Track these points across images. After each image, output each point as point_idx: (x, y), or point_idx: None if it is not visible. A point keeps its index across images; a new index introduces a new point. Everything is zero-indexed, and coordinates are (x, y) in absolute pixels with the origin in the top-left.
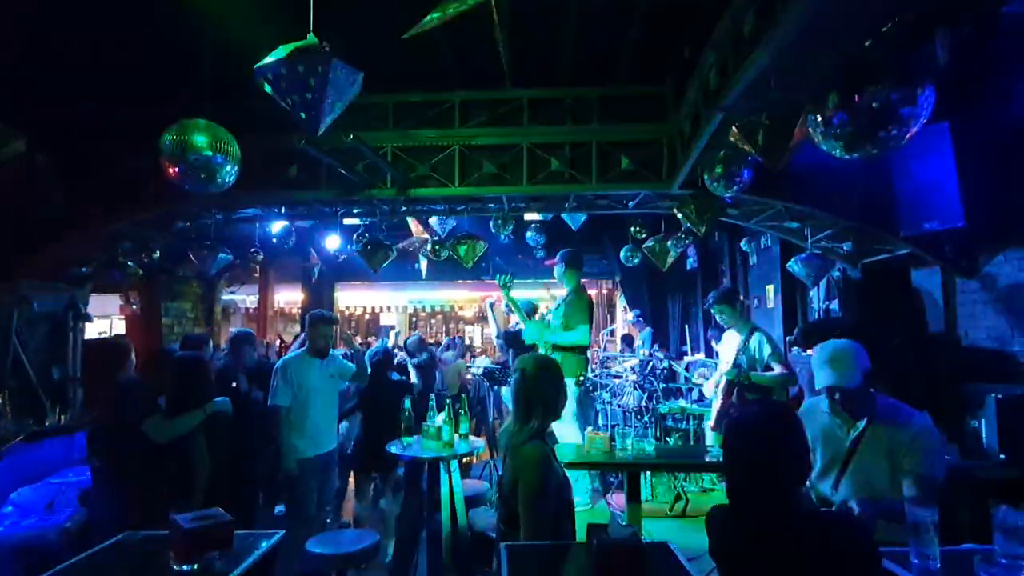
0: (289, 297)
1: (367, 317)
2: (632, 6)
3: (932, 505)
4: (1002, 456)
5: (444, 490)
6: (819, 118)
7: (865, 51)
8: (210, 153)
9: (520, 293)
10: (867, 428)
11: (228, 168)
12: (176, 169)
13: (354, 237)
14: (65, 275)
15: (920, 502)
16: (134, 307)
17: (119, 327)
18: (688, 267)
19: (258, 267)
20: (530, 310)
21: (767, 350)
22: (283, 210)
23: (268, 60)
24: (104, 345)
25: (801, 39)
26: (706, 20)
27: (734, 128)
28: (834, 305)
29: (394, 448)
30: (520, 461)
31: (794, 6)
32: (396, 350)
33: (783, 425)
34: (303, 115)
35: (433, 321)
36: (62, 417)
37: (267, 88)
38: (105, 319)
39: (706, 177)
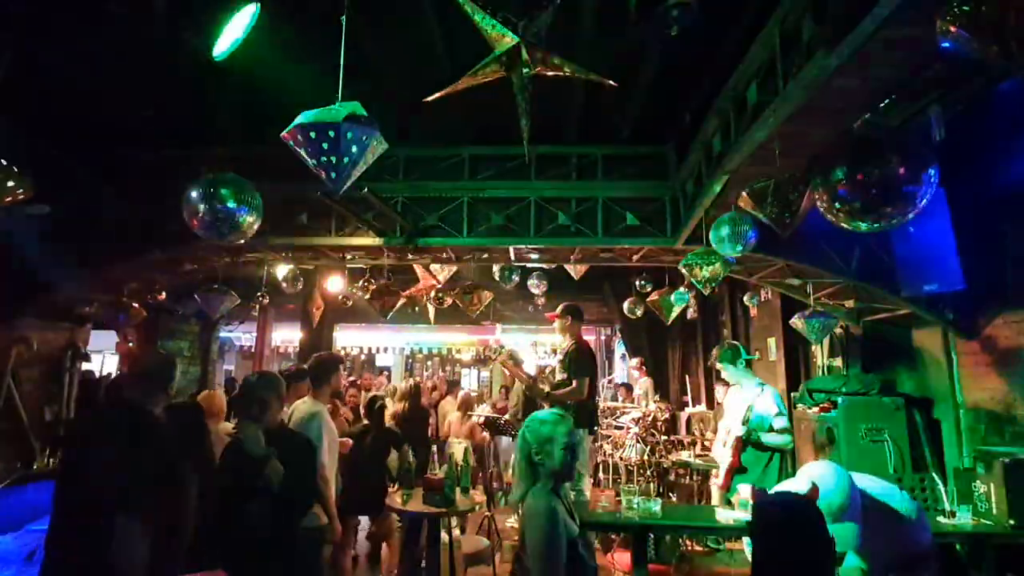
0: (287, 336)
1: (363, 357)
2: (637, 73)
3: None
4: (1011, 522)
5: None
6: (825, 190)
7: (867, 127)
8: (235, 206)
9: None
10: None
11: (251, 220)
12: (199, 220)
13: (360, 283)
14: (67, 314)
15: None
16: (130, 344)
17: (112, 364)
18: (688, 316)
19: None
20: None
21: (774, 410)
22: (290, 253)
23: (301, 121)
24: None
25: (803, 110)
26: (708, 88)
27: (744, 194)
28: (837, 362)
29: (392, 502)
30: (526, 515)
31: (795, 82)
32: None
33: (811, 522)
34: (330, 176)
35: (430, 363)
36: (51, 460)
37: (296, 148)
38: (97, 353)
39: (712, 236)
